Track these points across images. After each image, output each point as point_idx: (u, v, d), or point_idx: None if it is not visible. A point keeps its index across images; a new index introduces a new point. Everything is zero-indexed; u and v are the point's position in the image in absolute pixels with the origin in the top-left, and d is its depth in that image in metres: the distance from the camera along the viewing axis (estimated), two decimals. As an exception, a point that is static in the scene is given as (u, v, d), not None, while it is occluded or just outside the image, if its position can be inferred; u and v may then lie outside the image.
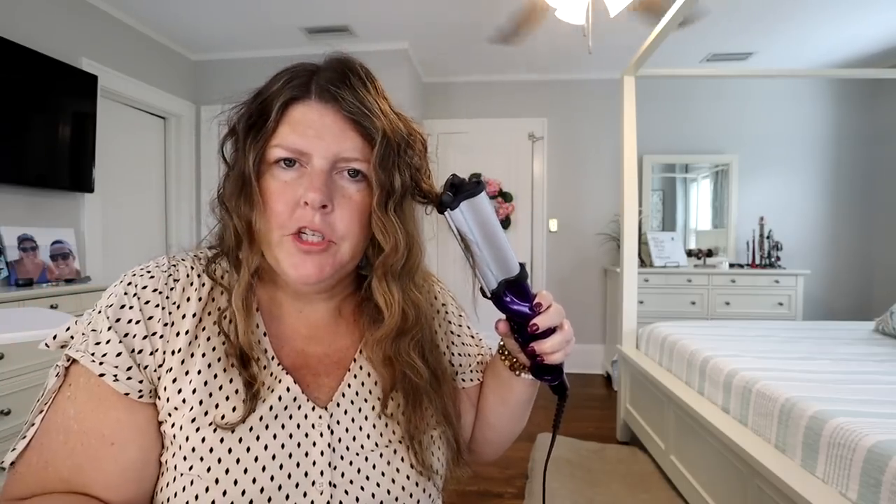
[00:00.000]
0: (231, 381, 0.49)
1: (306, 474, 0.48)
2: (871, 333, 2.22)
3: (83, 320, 0.49)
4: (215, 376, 0.48)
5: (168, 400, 0.47)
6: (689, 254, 3.79)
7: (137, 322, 0.47)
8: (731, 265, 3.63)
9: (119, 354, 0.46)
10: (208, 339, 0.50)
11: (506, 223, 3.87)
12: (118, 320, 0.47)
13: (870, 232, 3.73)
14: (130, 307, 0.48)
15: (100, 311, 0.48)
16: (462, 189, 0.47)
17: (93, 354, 0.46)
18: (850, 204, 3.75)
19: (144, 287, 0.49)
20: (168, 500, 0.46)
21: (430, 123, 3.97)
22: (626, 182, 2.51)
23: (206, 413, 0.47)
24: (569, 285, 3.92)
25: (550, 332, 0.51)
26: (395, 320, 0.53)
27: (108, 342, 0.46)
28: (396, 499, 0.51)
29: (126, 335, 0.47)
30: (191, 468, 0.45)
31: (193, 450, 0.46)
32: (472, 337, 0.68)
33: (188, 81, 3.47)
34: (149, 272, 0.50)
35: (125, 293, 0.49)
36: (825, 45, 3.22)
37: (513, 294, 0.51)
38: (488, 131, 3.95)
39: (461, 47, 3.35)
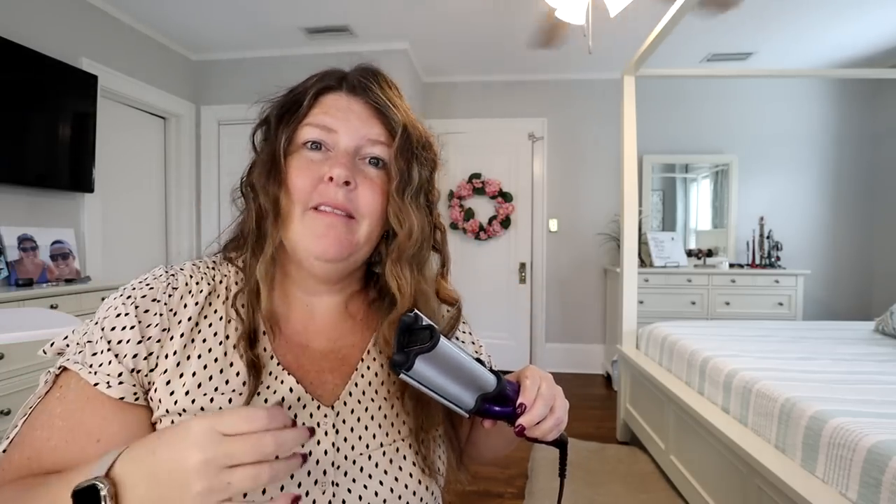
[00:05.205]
0: (227, 381, 0.49)
1: (309, 473, 0.48)
2: (871, 333, 2.22)
3: (80, 330, 0.50)
4: (210, 378, 0.49)
5: (161, 401, 0.47)
6: (689, 254, 3.79)
7: (132, 328, 0.48)
8: (731, 265, 3.62)
9: (111, 363, 0.47)
10: (204, 340, 0.50)
11: (506, 223, 3.87)
12: (112, 329, 0.48)
13: (870, 232, 3.73)
14: (126, 314, 0.49)
15: (96, 323, 0.49)
16: (413, 340, 0.43)
17: (90, 366, 0.46)
18: (850, 204, 3.75)
19: (143, 296, 0.50)
20: None
21: (430, 123, 3.93)
22: (625, 182, 2.51)
23: (202, 409, 0.47)
24: (569, 285, 3.91)
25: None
26: (407, 302, 0.54)
27: (102, 352, 0.47)
28: (400, 497, 0.51)
29: (119, 342, 0.48)
30: None
31: None
32: (473, 343, 0.68)
33: (188, 81, 3.47)
34: (148, 284, 0.52)
35: (123, 304, 0.50)
36: (825, 45, 3.22)
37: (492, 402, 0.49)
38: (488, 131, 3.95)
39: (461, 47, 3.35)
